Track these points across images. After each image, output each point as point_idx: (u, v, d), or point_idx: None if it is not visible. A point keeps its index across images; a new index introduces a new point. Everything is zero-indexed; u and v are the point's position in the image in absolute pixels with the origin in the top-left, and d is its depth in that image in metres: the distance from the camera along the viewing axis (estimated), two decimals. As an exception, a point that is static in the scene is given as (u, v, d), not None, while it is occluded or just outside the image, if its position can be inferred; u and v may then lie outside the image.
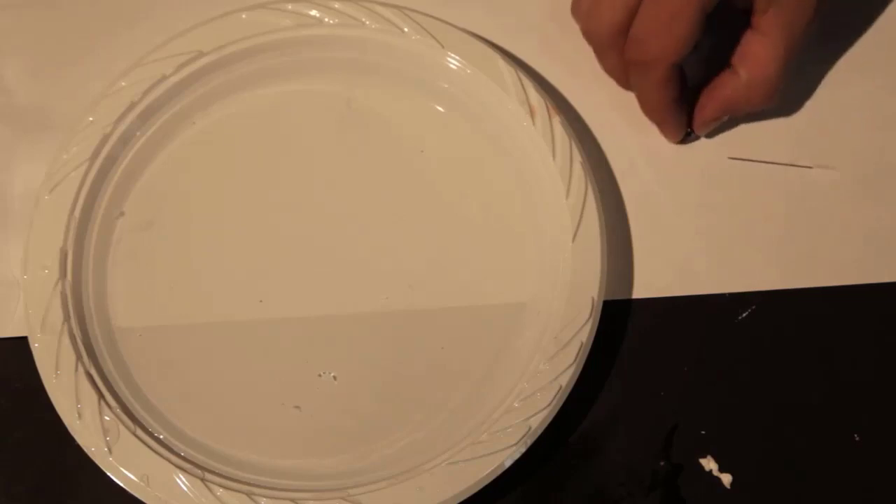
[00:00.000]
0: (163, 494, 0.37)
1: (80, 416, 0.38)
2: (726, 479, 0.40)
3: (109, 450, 0.38)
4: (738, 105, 0.41)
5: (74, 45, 0.46)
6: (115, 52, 0.45)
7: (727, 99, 0.41)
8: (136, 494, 0.38)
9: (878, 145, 0.44)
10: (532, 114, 0.42)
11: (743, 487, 0.40)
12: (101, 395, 0.39)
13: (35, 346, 0.39)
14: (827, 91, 0.45)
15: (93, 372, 0.39)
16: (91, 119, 0.42)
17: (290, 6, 0.43)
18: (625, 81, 0.42)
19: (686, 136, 0.44)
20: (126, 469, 0.38)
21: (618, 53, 0.41)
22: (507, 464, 0.38)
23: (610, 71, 0.42)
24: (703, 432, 0.41)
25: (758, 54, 0.40)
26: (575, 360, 0.39)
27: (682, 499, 0.40)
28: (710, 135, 0.44)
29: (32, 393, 0.40)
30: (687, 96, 0.42)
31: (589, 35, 0.41)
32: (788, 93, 0.44)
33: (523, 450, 0.38)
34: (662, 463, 0.40)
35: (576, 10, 0.41)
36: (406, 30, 0.43)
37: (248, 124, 0.44)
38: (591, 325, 0.39)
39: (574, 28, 0.44)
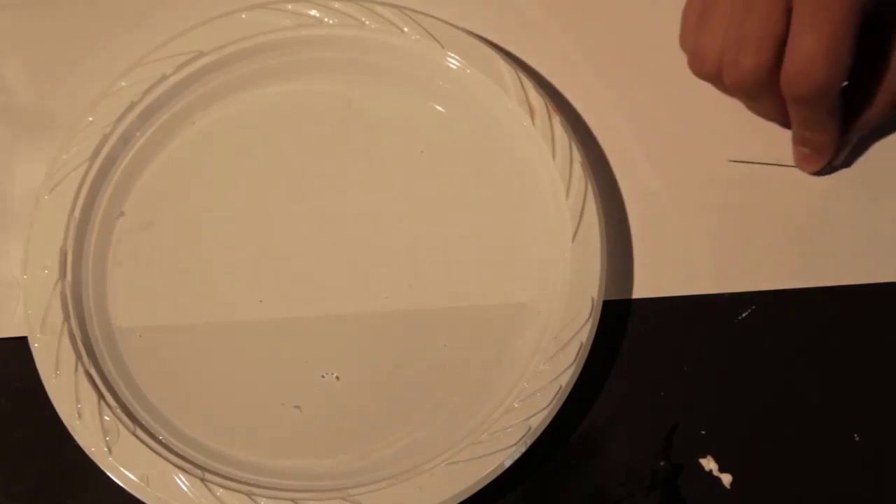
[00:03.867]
0: (163, 494, 0.37)
1: (80, 416, 0.38)
2: (726, 479, 0.40)
3: (109, 450, 0.38)
4: (869, 122, 0.39)
5: (74, 45, 0.46)
6: (115, 52, 0.45)
7: (860, 118, 0.39)
8: (136, 494, 0.38)
9: (878, 145, 0.44)
10: (532, 114, 0.42)
11: (743, 487, 0.40)
12: (101, 395, 0.39)
13: (35, 346, 0.39)
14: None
15: (93, 372, 0.39)
16: (91, 119, 0.42)
17: (290, 6, 0.43)
18: (785, 118, 0.39)
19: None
20: (126, 469, 0.38)
21: (774, 93, 0.37)
22: (507, 464, 0.38)
23: (769, 114, 0.40)
24: (703, 432, 0.41)
25: (883, 66, 0.38)
26: (575, 360, 0.39)
27: (682, 499, 0.40)
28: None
29: (32, 393, 0.40)
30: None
31: (736, 86, 0.38)
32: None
33: (523, 450, 0.38)
34: (662, 463, 0.40)
35: (704, 65, 0.37)
36: (406, 30, 0.43)
37: (248, 124, 0.44)
38: (591, 325, 0.39)
39: (574, 27, 0.44)
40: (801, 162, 0.42)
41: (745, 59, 0.36)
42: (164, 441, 0.39)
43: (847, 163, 0.43)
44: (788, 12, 0.35)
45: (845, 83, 0.37)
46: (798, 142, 0.41)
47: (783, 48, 0.36)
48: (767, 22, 0.35)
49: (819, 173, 0.43)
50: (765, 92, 0.37)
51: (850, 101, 0.39)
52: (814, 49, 0.35)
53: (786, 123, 0.41)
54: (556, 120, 0.42)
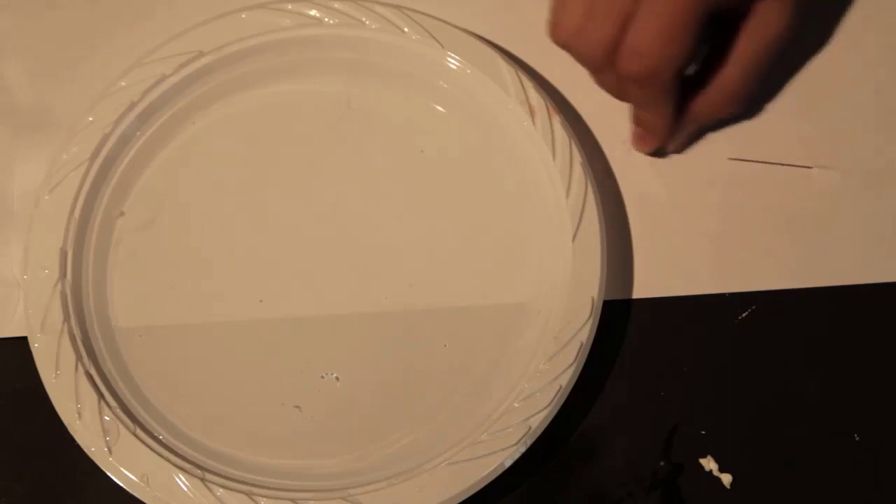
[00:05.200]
0: (163, 494, 0.37)
1: (80, 416, 0.38)
2: (726, 479, 0.40)
3: (109, 450, 0.38)
4: (702, 113, 0.41)
5: (74, 45, 0.46)
6: (115, 52, 0.45)
7: (693, 107, 0.41)
8: (136, 494, 0.38)
9: (878, 145, 0.44)
10: (532, 114, 0.42)
11: (743, 487, 0.40)
12: (101, 395, 0.39)
13: (35, 346, 0.39)
14: (827, 91, 0.45)
15: (93, 372, 0.39)
16: (91, 119, 0.42)
17: (290, 6, 0.43)
18: (623, 95, 0.41)
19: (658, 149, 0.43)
20: (126, 469, 0.38)
21: (614, 69, 0.38)
22: (507, 464, 0.38)
23: (608, 88, 0.41)
24: (703, 432, 0.41)
25: (724, 60, 0.39)
26: (575, 360, 0.39)
27: (682, 499, 0.40)
28: (696, 138, 0.44)
29: (32, 393, 0.40)
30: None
31: (582, 56, 0.39)
32: (788, 93, 0.44)
33: (523, 450, 0.38)
34: (662, 463, 0.40)
35: (559, 32, 0.39)
36: (406, 30, 0.43)
37: (248, 124, 0.44)
38: (591, 325, 0.39)
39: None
40: (635, 141, 0.43)
41: (594, 31, 0.37)
42: (164, 441, 0.39)
43: (847, 162, 0.43)
44: None
45: (689, 72, 0.39)
46: (634, 121, 0.43)
47: (627, 27, 0.37)
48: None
49: (655, 156, 0.44)
50: (607, 66, 0.38)
51: (692, 91, 0.40)
52: (652, 31, 0.36)
53: (624, 99, 0.41)
54: (556, 120, 0.42)
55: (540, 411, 0.38)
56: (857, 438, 0.40)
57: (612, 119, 0.44)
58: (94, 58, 0.46)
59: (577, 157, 0.41)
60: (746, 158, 0.44)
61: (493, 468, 0.38)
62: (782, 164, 0.43)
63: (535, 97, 0.42)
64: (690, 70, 0.40)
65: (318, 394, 0.40)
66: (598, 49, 0.38)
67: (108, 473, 0.38)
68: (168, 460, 0.38)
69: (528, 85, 0.42)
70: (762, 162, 0.44)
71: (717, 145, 0.44)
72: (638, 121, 0.42)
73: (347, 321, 0.41)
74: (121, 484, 0.38)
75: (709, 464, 0.40)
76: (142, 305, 0.42)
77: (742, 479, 0.40)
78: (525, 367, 0.39)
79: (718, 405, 0.41)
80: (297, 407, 0.40)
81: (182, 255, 0.42)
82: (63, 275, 0.40)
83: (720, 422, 0.41)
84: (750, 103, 0.43)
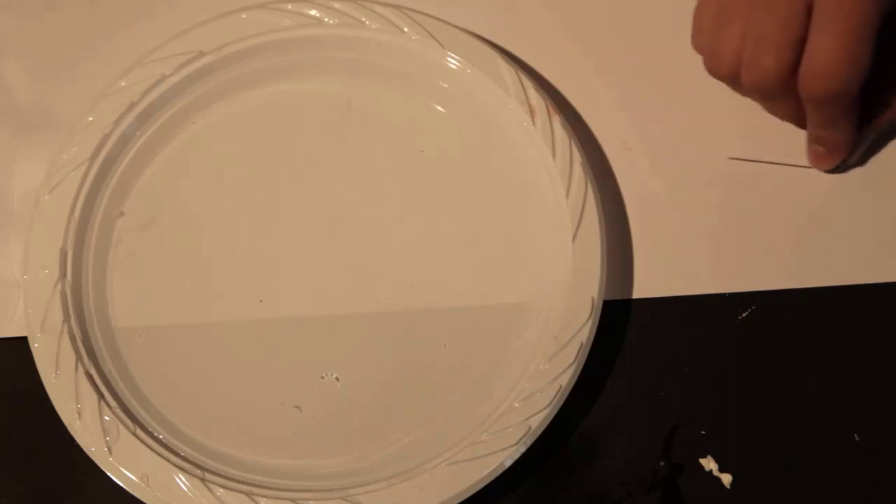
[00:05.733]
0: (163, 494, 0.37)
1: (80, 416, 0.38)
2: (726, 479, 0.40)
3: (109, 450, 0.38)
4: (886, 119, 0.39)
5: (74, 45, 0.46)
6: (115, 52, 0.45)
7: (876, 116, 0.39)
8: (136, 494, 0.38)
9: (878, 145, 0.44)
10: (532, 114, 0.42)
11: (743, 487, 0.40)
12: (101, 395, 0.39)
13: (35, 346, 0.39)
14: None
15: (93, 372, 0.39)
16: (91, 119, 0.42)
17: (290, 6, 0.43)
18: (802, 119, 0.39)
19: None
20: (126, 469, 0.38)
21: (792, 94, 0.36)
22: (507, 464, 0.38)
23: (785, 115, 0.39)
24: (703, 432, 0.41)
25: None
26: (575, 360, 0.39)
27: (682, 499, 0.40)
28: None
29: (32, 393, 0.40)
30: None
31: (757, 86, 0.37)
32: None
33: (523, 450, 0.38)
34: (662, 463, 0.40)
35: (721, 64, 0.37)
36: (406, 30, 0.43)
37: (248, 124, 0.44)
38: (591, 325, 0.39)
39: (574, 27, 0.44)
40: (816, 161, 0.42)
41: (765, 58, 0.36)
42: (164, 441, 0.39)
43: (854, 162, 0.43)
44: (808, 12, 0.35)
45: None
46: (813, 140, 0.41)
47: (803, 48, 0.35)
48: (788, 21, 0.35)
49: (832, 171, 0.43)
50: (783, 92, 0.37)
51: (867, 99, 0.38)
52: (832, 49, 0.34)
53: (801, 124, 0.40)
54: (556, 120, 0.42)
55: (540, 411, 0.38)
56: (857, 438, 0.40)
57: (612, 119, 0.44)
58: (94, 58, 0.46)
59: (577, 157, 0.41)
60: (746, 158, 0.44)
61: (493, 468, 0.38)
62: (782, 164, 0.43)
63: (535, 97, 0.42)
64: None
65: (318, 394, 0.40)
66: (773, 78, 0.36)
67: (108, 473, 0.38)
68: (168, 460, 0.38)
69: (528, 85, 0.42)
70: (762, 162, 0.44)
71: (717, 145, 0.44)
72: (818, 139, 0.40)
73: (347, 321, 0.41)
74: (121, 484, 0.38)
75: (709, 464, 0.40)
76: (142, 305, 0.42)
77: (742, 479, 0.40)
78: (525, 367, 0.39)
79: (718, 405, 0.41)
80: (297, 407, 0.40)
81: (182, 255, 0.42)
82: (63, 275, 0.40)
83: (720, 422, 0.41)
84: None
